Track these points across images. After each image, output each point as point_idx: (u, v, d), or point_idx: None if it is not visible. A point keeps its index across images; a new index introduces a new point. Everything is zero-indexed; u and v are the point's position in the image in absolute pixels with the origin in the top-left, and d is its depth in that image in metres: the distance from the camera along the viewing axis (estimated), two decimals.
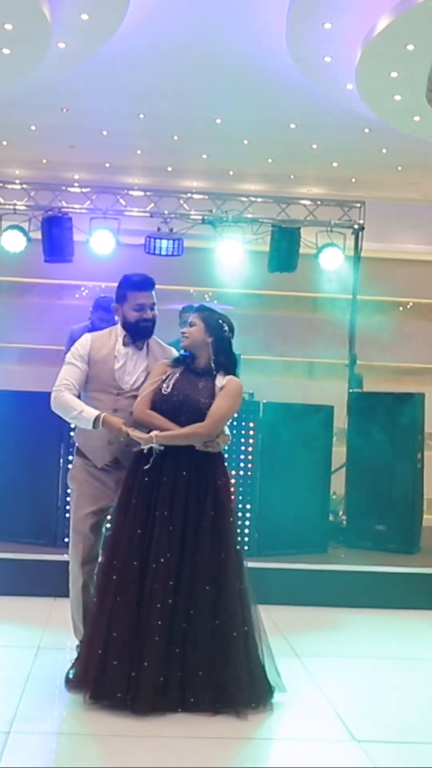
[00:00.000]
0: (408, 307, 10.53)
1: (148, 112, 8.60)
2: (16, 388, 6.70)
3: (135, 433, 3.89)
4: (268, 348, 9.34)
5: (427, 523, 7.34)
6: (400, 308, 10.52)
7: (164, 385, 3.97)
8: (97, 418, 3.93)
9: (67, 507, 5.86)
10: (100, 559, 4.08)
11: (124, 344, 4.12)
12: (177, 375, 4.00)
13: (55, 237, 7.69)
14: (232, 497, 4.08)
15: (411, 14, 6.17)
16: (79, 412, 3.97)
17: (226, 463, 4.10)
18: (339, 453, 7.08)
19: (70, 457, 6.11)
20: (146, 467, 3.86)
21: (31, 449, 6.14)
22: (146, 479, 3.88)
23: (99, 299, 6.97)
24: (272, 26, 6.77)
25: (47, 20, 6.40)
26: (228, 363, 4.05)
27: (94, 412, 3.95)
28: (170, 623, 3.72)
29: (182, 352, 4.09)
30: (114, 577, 3.79)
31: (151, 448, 3.84)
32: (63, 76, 7.66)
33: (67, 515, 6.03)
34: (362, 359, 7.97)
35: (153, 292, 4.15)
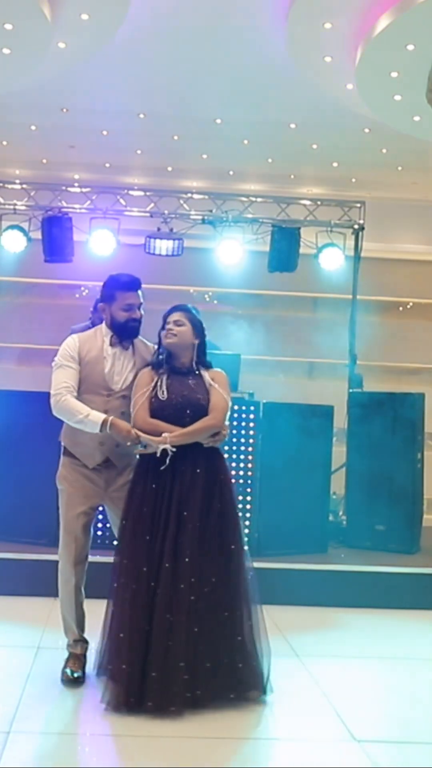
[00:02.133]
0: (408, 307, 10.53)
1: (148, 112, 8.60)
2: (16, 388, 6.69)
3: (147, 437, 3.88)
4: (268, 348, 9.34)
5: (427, 523, 7.34)
6: (400, 308, 10.52)
7: (159, 392, 3.97)
8: (104, 422, 3.93)
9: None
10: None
11: (111, 344, 4.12)
12: (165, 379, 4.00)
13: (55, 237, 7.69)
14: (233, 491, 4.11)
15: (411, 14, 6.17)
16: (85, 416, 3.95)
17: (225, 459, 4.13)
18: (339, 453, 7.08)
19: None
20: (162, 468, 3.86)
21: (31, 449, 6.14)
22: (154, 485, 3.89)
23: (97, 300, 6.97)
24: (272, 26, 6.77)
25: (47, 20, 6.40)
26: (206, 361, 4.12)
27: (101, 416, 3.94)
28: (188, 620, 3.76)
29: (160, 350, 4.07)
30: (133, 587, 3.79)
31: (165, 450, 3.85)
32: (63, 76, 7.66)
33: None
34: (362, 359, 7.96)
35: (140, 292, 4.17)
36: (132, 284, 4.15)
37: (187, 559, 3.78)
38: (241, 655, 3.87)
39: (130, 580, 3.82)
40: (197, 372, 4.06)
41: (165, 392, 3.96)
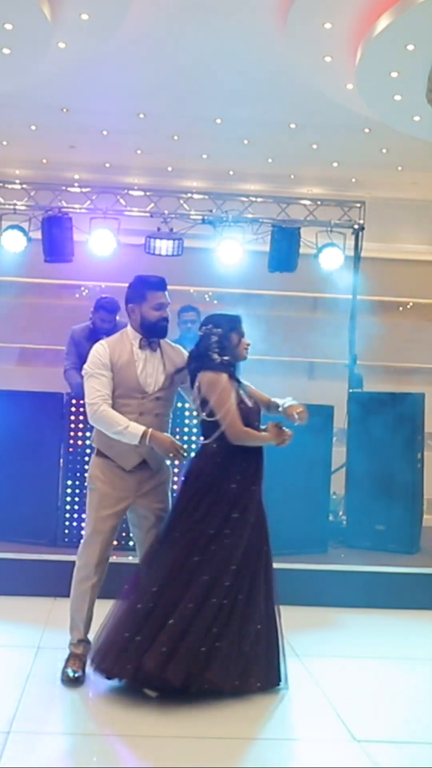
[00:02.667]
0: (408, 307, 10.53)
1: (148, 112, 8.60)
2: (16, 388, 6.69)
3: (266, 436, 4.09)
4: (268, 348, 9.32)
5: (427, 523, 7.34)
6: (400, 308, 10.52)
7: (246, 400, 4.15)
8: (144, 435, 3.97)
9: (67, 507, 5.89)
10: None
11: (141, 347, 4.15)
12: (238, 387, 4.18)
13: (55, 237, 7.68)
14: None
15: (411, 14, 6.17)
16: (124, 428, 3.98)
17: None
18: (339, 453, 7.08)
19: (70, 458, 6.14)
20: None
21: (31, 449, 6.14)
22: (233, 486, 4.02)
23: (100, 299, 6.96)
24: (272, 26, 6.77)
25: (47, 20, 6.40)
26: None
27: (141, 429, 3.98)
28: (226, 603, 3.91)
29: (225, 358, 4.20)
30: (205, 577, 3.90)
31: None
32: (63, 76, 7.66)
33: (67, 515, 6.07)
34: (362, 359, 7.96)
35: (167, 293, 4.24)
36: (162, 284, 4.22)
37: (256, 552, 4.00)
38: (264, 642, 4.00)
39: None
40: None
41: (247, 401, 4.14)
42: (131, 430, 3.96)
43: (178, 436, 5.58)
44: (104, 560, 4.14)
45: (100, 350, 4.12)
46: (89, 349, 4.21)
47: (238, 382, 4.21)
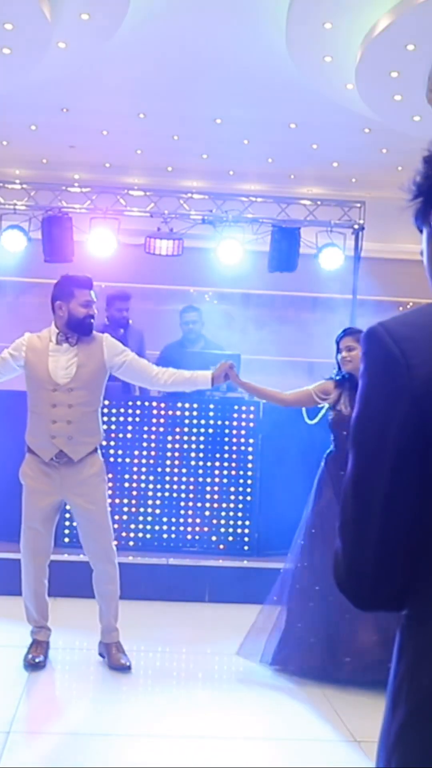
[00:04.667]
0: (408, 307, 10.53)
1: (148, 112, 8.60)
2: (16, 388, 6.69)
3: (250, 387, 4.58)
4: (268, 348, 9.34)
5: None
6: (400, 308, 10.52)
7: (342, 406, 4.30)
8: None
9: (68, 507, 5.89)
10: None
11: (57, 342, 4.27)
12: (347, 395, 4.33)
13: (55, 237, 7.68)
14: None
15: (411, 14, 6.17)
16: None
17: None
18: None
19: None
20: None
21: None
22: (341, 473, 4.19)
23: (110, 295, 7.01)
24: (272, 26, 6.78)
25: (47, 20, 6.41)
26: None
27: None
28: None
29: (343, 373, 4.45)
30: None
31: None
32: (63, 76, 7.67)
33: (67, 515, 6.07)
34: None
35: (93, 292, 4.36)
36: (89, 283, 4.36)
37: None
38: None
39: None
40: None
41: (348, 407, 4.28)
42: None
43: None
44: (41, 553, 4.29)
45: (21, 341, 4.38)
46: None
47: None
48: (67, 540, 5.92)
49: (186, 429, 6.10)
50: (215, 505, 6.08)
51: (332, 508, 4.27)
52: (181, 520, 6.06)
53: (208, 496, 6.08)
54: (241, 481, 6.14)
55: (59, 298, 4.31)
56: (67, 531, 6.03)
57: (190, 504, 6.07)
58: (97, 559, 4.26)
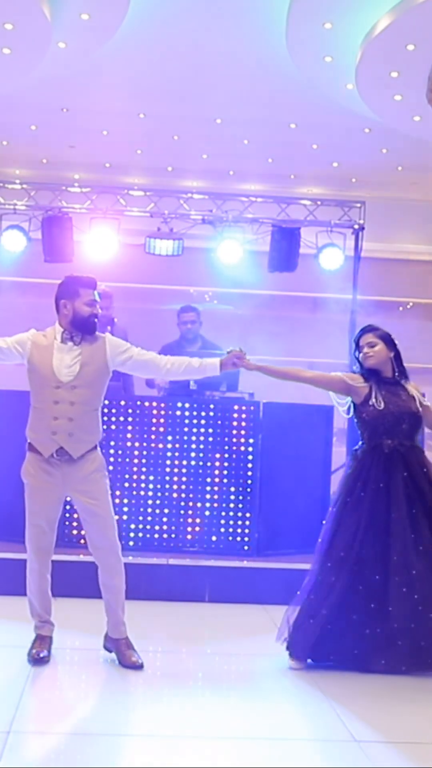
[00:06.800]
0: (408, 307, 10.53)
1: (148, 112, 8.61)
2: (16, 388, 6.69)
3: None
4: (268, 348, 9.32)
5: None
6: (400, 308, 10.52)
7: (375, 401, 4.36)
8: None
9: (68, 507, 5.88)
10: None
11: (62, 341, 4.31)
12: (378, 389, 4.42)
13: (55, 237, 7.68)
14: None
15: (411, 14, 6.18)
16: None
17: None
18: (339, 453, 7.07)
19: None
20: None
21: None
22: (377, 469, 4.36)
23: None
24: (272, 26, 6.78)
25: (47, 20, 6.41)
26: (405, 371, 4.58)
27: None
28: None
29: (362, 369, 4.53)
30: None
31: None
32: (63, 76, 7.67)
33: (67, 515, 6.07)
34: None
35: (97, 292, 4.40)
36: (93, 283, 4.39)
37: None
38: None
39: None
40: (402, 383, 4.51)
41: (382, 402, 4.35)
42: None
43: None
44: (44, 550, 4.34)
45: (26, 335, 4.43)
46: None
47: (389, 384, 4.54)
48: (69, 540, 5.92)
49: (186, 429, 6.10)
50: (215, 505, 6.08)
51: (362, 505, 4.35)
52: (181, 520, 6.06)
53: (208, 496, 6.08)
54: (241, 481, 6.14)
55: (64, 297, 4.33)
56: (67, 531, 6.03)
57: (190, 504, 6.07)
58: (102, 553, 4.27)
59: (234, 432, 6.17)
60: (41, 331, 4.41)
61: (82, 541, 5.72)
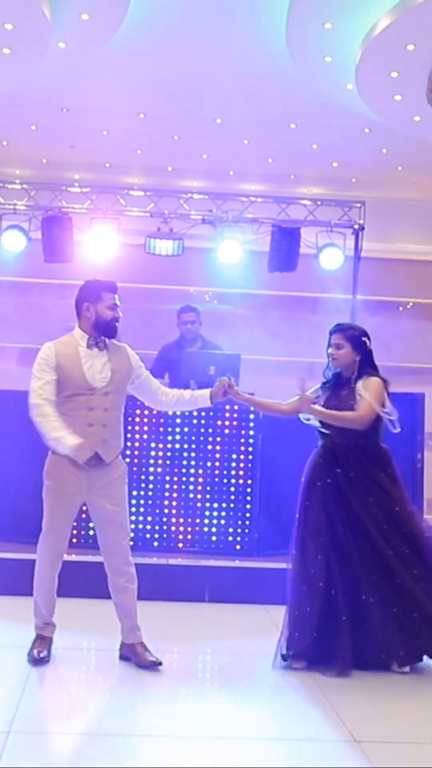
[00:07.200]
0: (408, 307, 10.53)
1: (148, 112, 8.61)
2: (16, 388, 6.69)
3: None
4: (268, 348, 9.34)
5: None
6: (400, 308, 10.52)
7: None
8: (72, 448, 4.08)
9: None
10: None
11: (88, 346, 4.27)
12: (322, 394, 4.54)
13: (55, 237, 7.68)
14: None
15: (411, 14, 6.18)
16: (57, 438, 4.11)
17: None
18: None
19: None
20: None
21: (30, 449, 6.12)
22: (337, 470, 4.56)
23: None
24: (272, 26, 6.78)
25: (47, 20, 6.42)
26: (369, 372, 4.51)
27: (73, 443, 4.07)
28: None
29: (333, 371, 4.55)
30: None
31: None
32: (63, 76, 7.67)
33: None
34: None
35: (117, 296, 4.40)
36: (114, 287, 4.38)
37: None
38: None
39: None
40: (351, 384, 4.48)
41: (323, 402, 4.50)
42: (64, 441, 4.08)
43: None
44: (59, 553, 4.29)
45: (46, 352, 4.27)
46: None
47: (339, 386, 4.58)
48: (74, 540, 5.92)
49: (186, 429, 6.10)
50: (215, 505, 6.08)
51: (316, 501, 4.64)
52: (182, 520, 6.06)
53: (208, 496, 6.08)
54: (241, 481, 6.14)
55: (87, 300, 4.31)
56: (74, 532, 6.03)
57: (191, 504, 6.07)
58: (117, 559, 4.27)
59: (234, 432, 6.17)
60: (56, 340, 4.36)
61: (82, 541, 5.75)
